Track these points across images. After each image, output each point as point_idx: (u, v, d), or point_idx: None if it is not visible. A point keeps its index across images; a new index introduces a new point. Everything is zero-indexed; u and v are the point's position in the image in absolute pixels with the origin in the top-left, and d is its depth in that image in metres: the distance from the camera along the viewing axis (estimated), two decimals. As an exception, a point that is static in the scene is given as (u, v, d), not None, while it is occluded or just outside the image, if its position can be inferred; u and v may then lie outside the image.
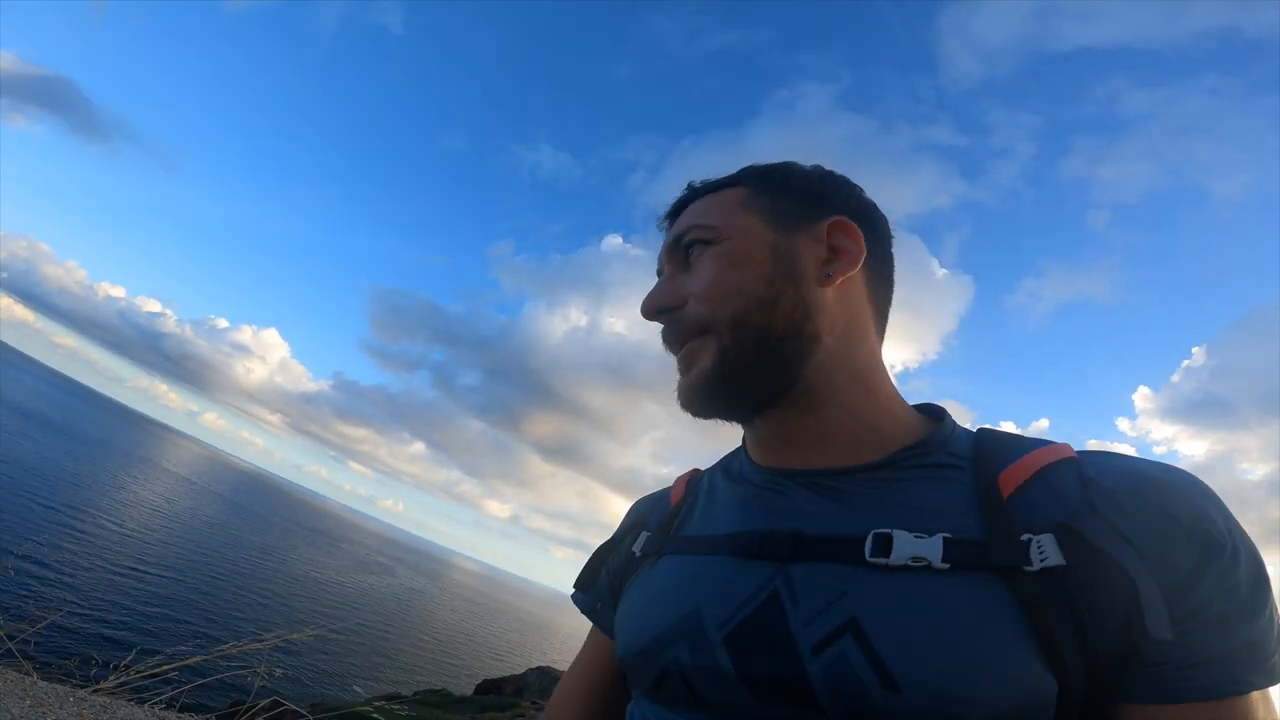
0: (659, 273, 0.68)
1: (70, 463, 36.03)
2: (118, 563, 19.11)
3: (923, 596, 0.48)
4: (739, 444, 0.71)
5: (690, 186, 0.68)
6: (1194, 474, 0.51)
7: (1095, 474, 0.51)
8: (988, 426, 0.61)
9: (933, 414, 0.64)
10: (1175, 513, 0.48)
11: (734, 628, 0.53)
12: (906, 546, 0.49)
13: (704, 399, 0.60)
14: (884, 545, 0.50)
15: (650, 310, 0.64)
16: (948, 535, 0.49)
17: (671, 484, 0.76)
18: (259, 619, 19.50)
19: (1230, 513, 0.49)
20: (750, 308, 0.58)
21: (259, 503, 74.75)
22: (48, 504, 22.69)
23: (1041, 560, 0.47)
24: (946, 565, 0.48)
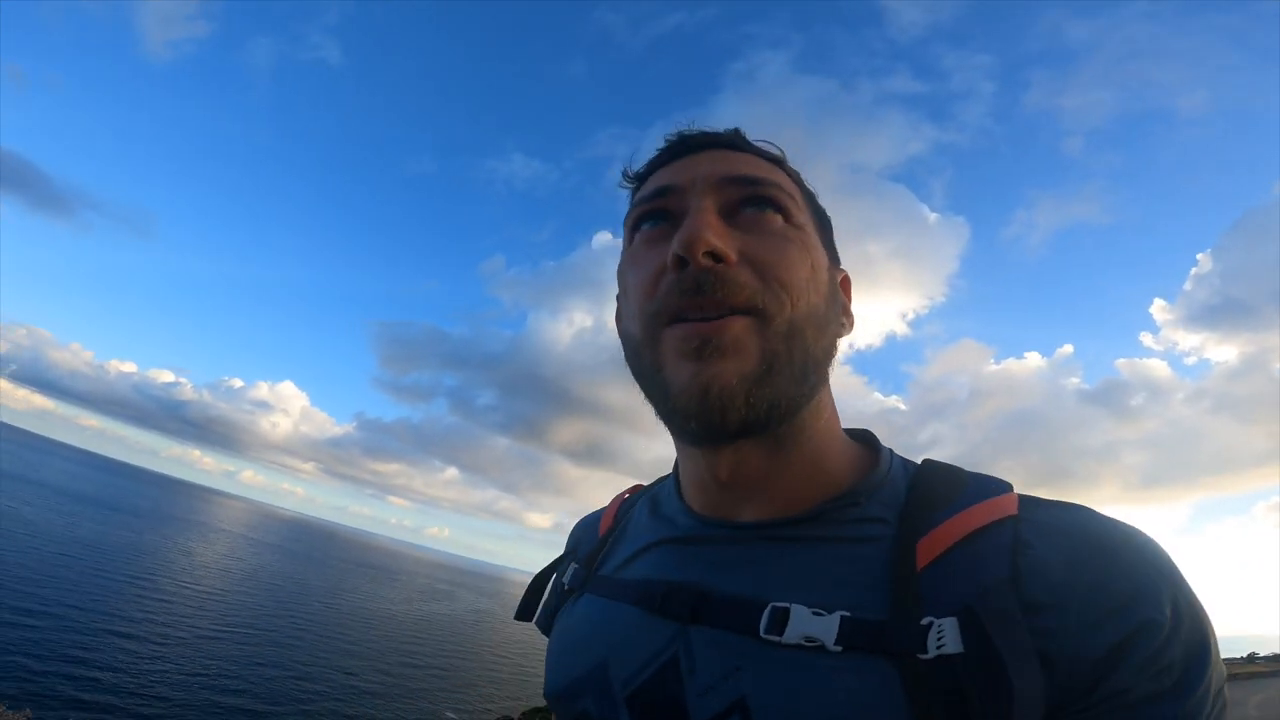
0: (666, 191, 0.55)
1: (132, 535, 36.09)
2: (207, 625, 18.66)
3: (812, 680, 0.45)
4: (671, 471, 0.66)
5: (737, 130, 0.59)
6: (1149, 538, 0.47)
7: (1032, 537, 0.47)
8: (932, 460, 0.57)
9: (870, 444, 0.60)
10: (1111, 588, 0.44)
11: (636, 688, 0.52)
12: (801, 625, 0.46)
13: (738, 406, 0.47)
14: (780, 620, 0.47)
15: (701, 246, 0.48)
16: (846, 614, 0.46)
17: (608, 505, 0.73)
18: (352, 666, 19.03)
19: (1181, 580, 0.46)
20: (811, 322, 0.51)
21: (314, 549, 75.35)
22: (120, 578, 22.40)
23: (939, 647, 0.43)
24: (839, 648, 0.45)
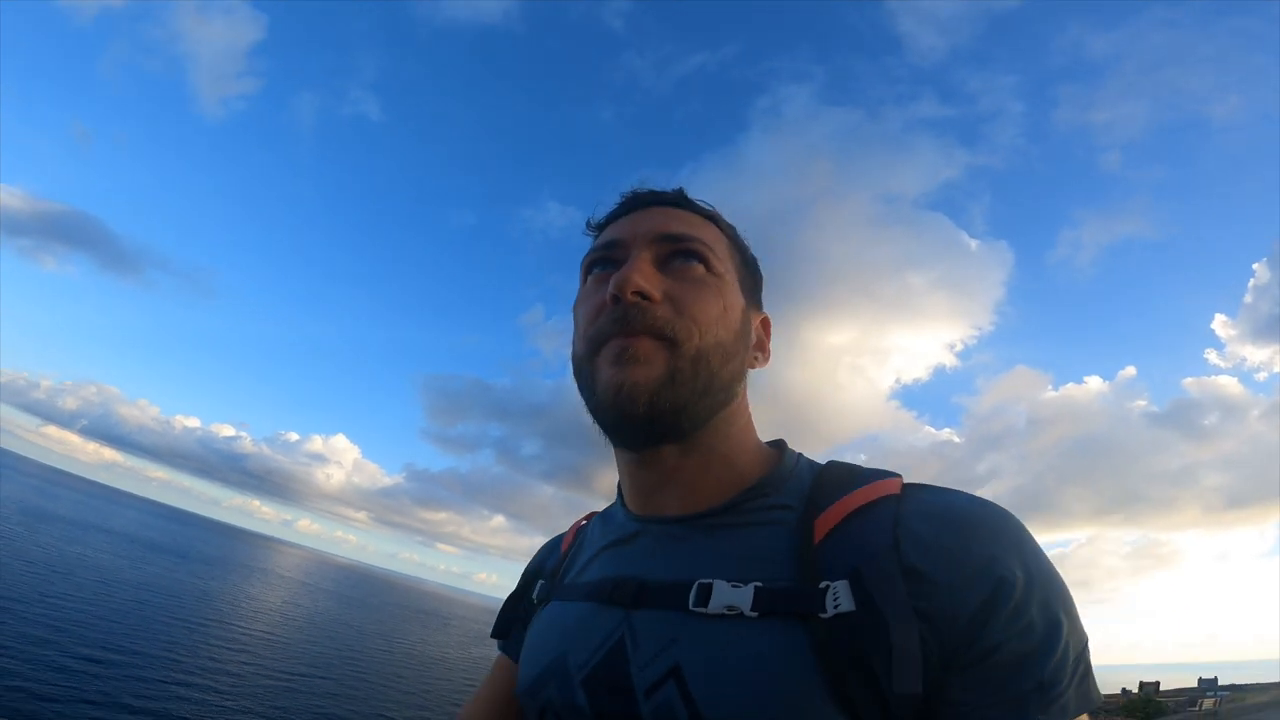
0: (613, 245, 0.64)
1: (198, 581, 36.53)
2: (269, 672, 18.18)
3: (734, 643, 0.56)
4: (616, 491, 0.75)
5: (680, 191, 0.69)
6: (1007, 513, 0.57)
7: (909, 513, 0.57)
8: (837, 460, 0.64)
9: (779, 449, 0.67)
10: (970, 553, 0.55)
11: (590, 670, 0.60)
12: (722, 596, 0.57)
13: (642, 402, 0.60)
14: (705, 595, 0.58)
15: (630, 288, 0.60)
16: (759, 584, 0.57)
17: (569, 528, 0.81)
18: (411, 717, 18.18)
19: (1033, 548, 0.55)
20: (717, 351, 0.61)
21: (368, 595, 75.40)
22: (187, 623, 22.32)
23: (835, 606, 0.55)
24: (755, 613, 0.56)
